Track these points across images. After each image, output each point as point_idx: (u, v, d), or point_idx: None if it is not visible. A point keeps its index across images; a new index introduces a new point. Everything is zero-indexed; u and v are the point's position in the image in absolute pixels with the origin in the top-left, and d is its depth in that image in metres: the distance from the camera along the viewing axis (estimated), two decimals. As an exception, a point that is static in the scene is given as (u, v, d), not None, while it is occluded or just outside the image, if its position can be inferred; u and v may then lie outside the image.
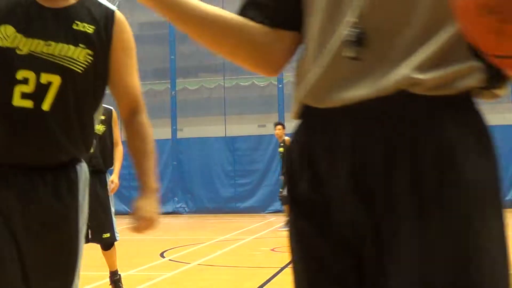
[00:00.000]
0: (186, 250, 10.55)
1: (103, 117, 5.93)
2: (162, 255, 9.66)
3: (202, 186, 19.44)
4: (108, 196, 6.14)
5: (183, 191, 19.54)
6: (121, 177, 20.77)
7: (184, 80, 21.94)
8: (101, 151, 6.04)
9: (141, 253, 10.53)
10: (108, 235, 6.14)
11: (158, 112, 21.37)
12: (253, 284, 6.91)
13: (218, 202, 19.20)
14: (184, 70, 21.40)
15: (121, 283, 6.38)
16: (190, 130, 19.98)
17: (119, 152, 6.34)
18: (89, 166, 4.84)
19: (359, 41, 1.31)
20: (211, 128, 20.57)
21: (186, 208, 19.30)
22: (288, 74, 21.08)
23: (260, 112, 20.96)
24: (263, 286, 6.82)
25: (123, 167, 17.60)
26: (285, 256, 8.34)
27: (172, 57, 20.08)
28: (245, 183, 19.52)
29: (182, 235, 13.47)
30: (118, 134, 6.31)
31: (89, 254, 10.06)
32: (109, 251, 6.25)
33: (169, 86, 20.55)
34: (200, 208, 19.22)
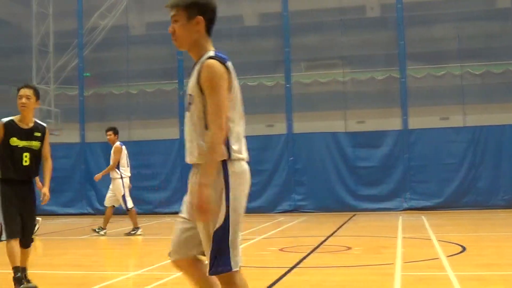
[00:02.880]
0: (195, 250, 10.50)
1: (38, 134, 6.92)
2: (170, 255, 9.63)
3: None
4: (35, 201, 6.90)
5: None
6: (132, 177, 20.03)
7: (192, 80, 21.92)
8: (36, 164, 6.89)
9: (151, 252, 10.55)
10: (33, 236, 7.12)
11: (165, 112, 21.39)
12: (262, 284, 6.90)
13: (226, 202, 19.12)
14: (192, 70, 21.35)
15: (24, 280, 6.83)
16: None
17: (49, 166, 7.04)
18: (23, 177, 6.84)
19: None
20: (219, 128, 20.54)
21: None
22: (296, 74, 21.08)
23: (268, 112, 20.95)
24: (272, 286, 6.81)
25: (132, 167, 17.08)
26: (294, 256, 8.32)
27: (180, 57, 20.10)
28: (253, 183, 19.38)
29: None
30: (49, 149, 7.03)
31: (106, 253, 10.05)
32: (29, 249, 6.89)
33: (177, 86, 20.57)
34: (208, 208, 19.18)
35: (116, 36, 21.74)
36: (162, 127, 20.88)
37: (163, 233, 14.13)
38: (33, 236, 6.89)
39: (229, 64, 3.66)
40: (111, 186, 13.61)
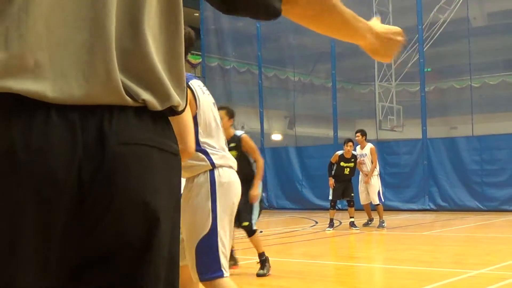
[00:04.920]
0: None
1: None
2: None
3: None
4: None
5: None
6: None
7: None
8: None
9: (494, 251, 10.16)
10: None
11: (511, 105, 20.48)
12: None
13: None
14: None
15: None
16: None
17: None
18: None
19: None
20: None
21: None
22: None
23: None
24: None
25: (475, 162, 16.38)
26: None
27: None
28: None
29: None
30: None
31: (445, 250, 9.91)
32: None
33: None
34: None
35: (456, 29, 21.34)
36: (507, 121, 19.98)
37: (509, 232, 13.52)
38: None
39: (193, 82, 3.79)
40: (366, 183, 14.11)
